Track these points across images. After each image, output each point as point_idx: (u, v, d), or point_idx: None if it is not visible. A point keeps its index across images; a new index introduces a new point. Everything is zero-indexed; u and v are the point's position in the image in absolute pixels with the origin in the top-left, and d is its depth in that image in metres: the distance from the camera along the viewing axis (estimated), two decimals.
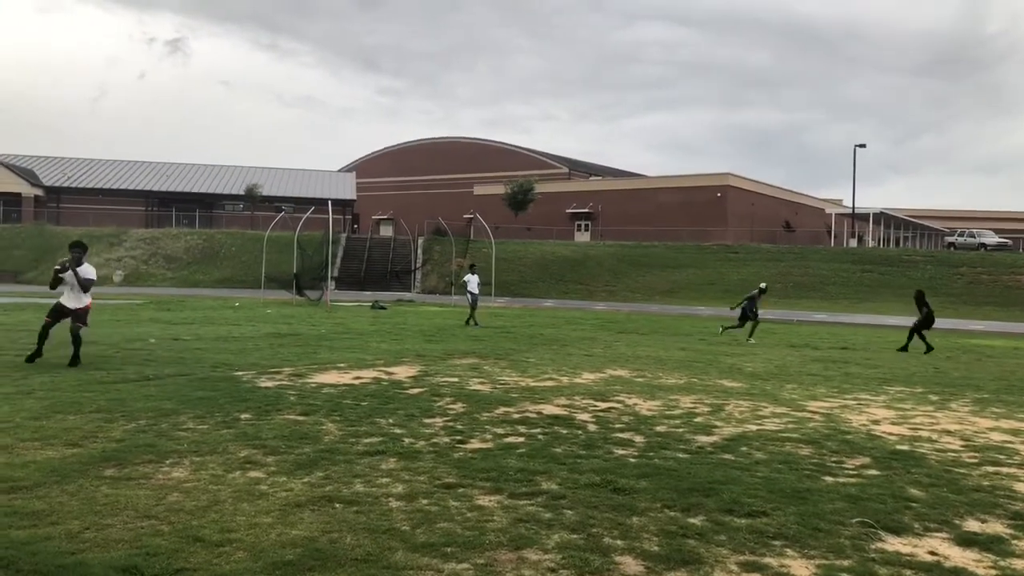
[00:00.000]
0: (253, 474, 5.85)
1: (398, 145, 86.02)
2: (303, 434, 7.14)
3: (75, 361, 10.94)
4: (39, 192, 59.28)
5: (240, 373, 10.89)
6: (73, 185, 60.61)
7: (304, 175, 68.00)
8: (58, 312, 11.32)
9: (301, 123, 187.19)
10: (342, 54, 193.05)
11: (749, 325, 20.50)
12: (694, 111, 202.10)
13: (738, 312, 21.10)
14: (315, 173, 69.26)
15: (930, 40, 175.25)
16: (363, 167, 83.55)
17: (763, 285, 21.86)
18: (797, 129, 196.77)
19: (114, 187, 61.44)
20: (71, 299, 11.31)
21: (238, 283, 45.07)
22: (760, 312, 21.13)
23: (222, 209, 64.06)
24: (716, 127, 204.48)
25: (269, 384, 10.02)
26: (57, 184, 60.37)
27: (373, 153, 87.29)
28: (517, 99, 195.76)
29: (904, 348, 19.01)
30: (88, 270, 11.41)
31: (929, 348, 18.71)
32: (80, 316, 11.32)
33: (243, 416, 7.87)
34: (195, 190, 63.15)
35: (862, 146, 56.20)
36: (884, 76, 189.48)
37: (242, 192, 60.10)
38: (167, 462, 6.06)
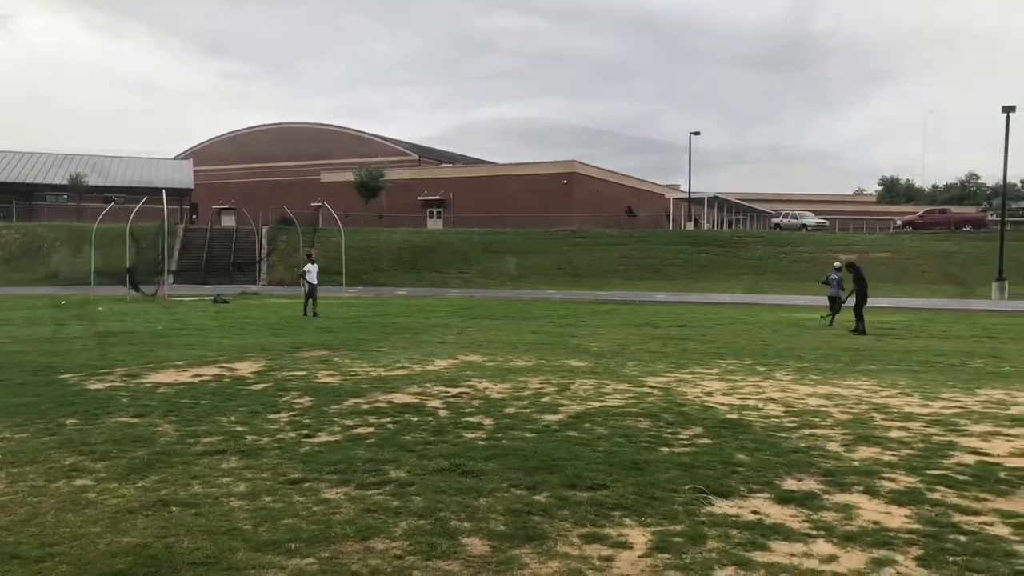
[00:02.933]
0: (80, 482, 5.50)
1: (240, 131, 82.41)
2: (136, 437, 6.77)
3: None
4: None
5: (66, 376, 10.17)
6: None
7: (137, 163, 63.95)
8: None
9: (139, 109, 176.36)
10: (184, 37, 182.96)
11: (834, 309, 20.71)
12: (547, 101, 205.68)
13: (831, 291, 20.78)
14: (149, 161, 65.27)
15: (764, 36, 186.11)
16: (202, 153, 79.55)
17: (837, 264, 21.58)
18: (645, 119, 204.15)
19: None
20: None
21: (65, 280, 41.93)
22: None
23: (43, 201, 59.25)
24: (568, 116, 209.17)
25: (99, 386, 9.42)
26: None
27: (214, 139, 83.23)
28: (372, 86, 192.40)
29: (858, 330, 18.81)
30: None
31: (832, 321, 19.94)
32: None
33: (69, 421, 7.37)
34: (11, 179, 58.07)
35: (696, 133, 59.09)
36: (725, 70, 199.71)
37: (66, 182, 55.85)
38: None
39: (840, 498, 5.25)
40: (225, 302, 28.42)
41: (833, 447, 6.67)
